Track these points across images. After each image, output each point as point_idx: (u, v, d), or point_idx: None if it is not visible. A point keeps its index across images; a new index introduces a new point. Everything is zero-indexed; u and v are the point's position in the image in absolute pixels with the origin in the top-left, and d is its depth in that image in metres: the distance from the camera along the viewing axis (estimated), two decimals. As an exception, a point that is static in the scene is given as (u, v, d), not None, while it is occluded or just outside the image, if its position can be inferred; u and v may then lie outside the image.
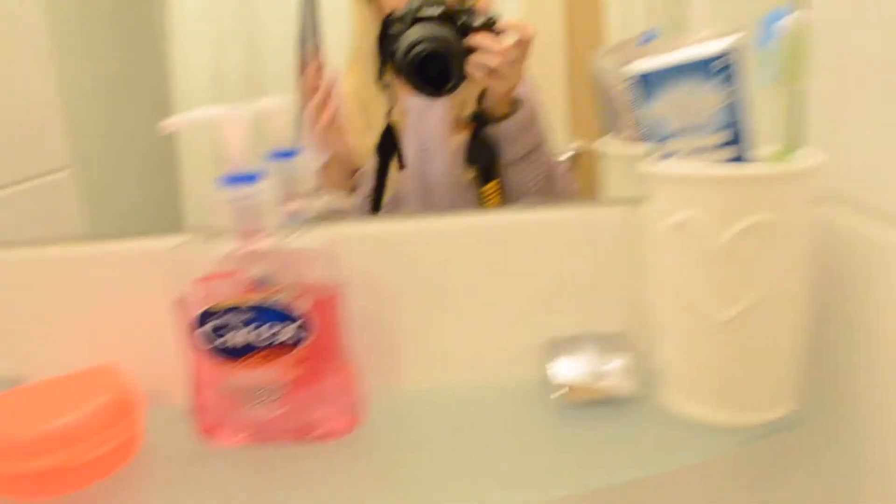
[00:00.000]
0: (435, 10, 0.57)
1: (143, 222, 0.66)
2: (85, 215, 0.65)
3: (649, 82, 0.46)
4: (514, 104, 0.60)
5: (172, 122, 0.43)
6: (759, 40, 0.45)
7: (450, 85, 0.58)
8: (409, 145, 0.62)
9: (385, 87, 0.60)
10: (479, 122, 0.61)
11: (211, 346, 0.47)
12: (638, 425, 0.49)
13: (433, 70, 0.57)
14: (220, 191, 0.45)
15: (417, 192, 0.63)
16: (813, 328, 0.48)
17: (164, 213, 0.67)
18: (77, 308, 0.56)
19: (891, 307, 0.46)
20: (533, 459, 0.47)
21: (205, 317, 0.46)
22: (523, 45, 0.58)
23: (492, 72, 0.58)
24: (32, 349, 0.57)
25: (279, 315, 0.46)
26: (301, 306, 0.46)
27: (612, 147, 0.60)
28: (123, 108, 0.66)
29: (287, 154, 0.53)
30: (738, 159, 0.44)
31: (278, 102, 0.52)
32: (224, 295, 0.46)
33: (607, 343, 0.53)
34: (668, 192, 0.46)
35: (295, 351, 0.47)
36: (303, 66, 0.62)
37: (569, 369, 0.52)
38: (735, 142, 0.44)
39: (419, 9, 0.57)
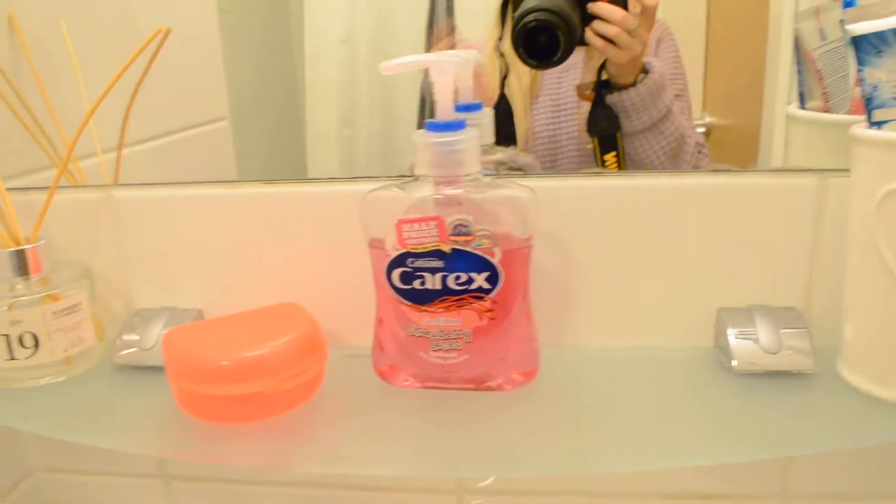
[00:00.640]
0: None
1: (276, 170, 0.74)
2: (240, 161, 0.72)
3: (868, 45, 0.44)
4: (638, 74, 0.59)
5: (390, 66, 0.44)
6: None
7: (556, 57, 0.56)
8: (544, 106, 0.62)
9: (501, 55, 0.61)
10: (601, 90, 0.60)
11: (402, 289, 0.48)
12: (825, 399, 0.48)
13: (542, 41, 0.56)
14: (425, 136, 0.45)
15: (547, 154, 0.63)
16: None
17: (291, 162, 0.74)
18: (263, 248, 0.58)
19: None
20: (717, 423, 0.47)
21: (399, 260, 0.47)
22: (647, 14, 0.56)
23: (610, 41, 0.57)
24: (218, 284, 0.60)
25: (472, 263, 0.47)
26: (493, 256, 0.46)
27: (800, 115, 0.58)
28: (262, 67, 0.73)
29: (472, 107, 0.53)
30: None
31: (469, 55, 0.52)
32: (419, 240, 0.47)
33: (783, 316, 0.52)
34: (883, 160, 0.44)
35: (483, 300, 0.47)
36: (434, 43, 0.63)
37: (746, 339, 0.51)
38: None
39: None
